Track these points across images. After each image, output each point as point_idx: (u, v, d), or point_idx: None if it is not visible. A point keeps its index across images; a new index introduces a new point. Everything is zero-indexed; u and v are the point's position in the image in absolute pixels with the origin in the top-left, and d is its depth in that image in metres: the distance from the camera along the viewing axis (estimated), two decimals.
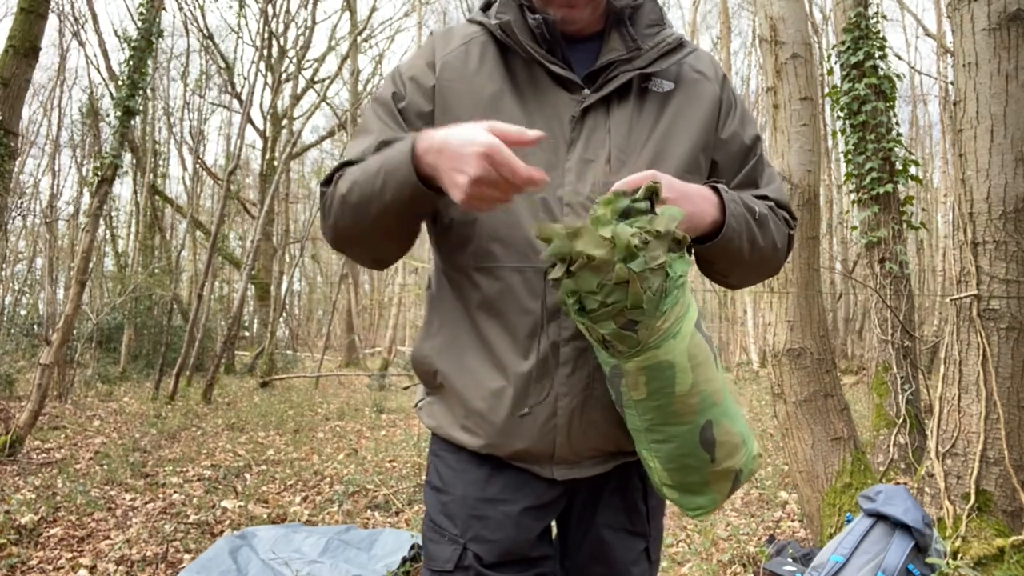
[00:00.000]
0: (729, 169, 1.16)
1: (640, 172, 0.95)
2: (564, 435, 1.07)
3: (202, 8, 15.96)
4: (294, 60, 16.30)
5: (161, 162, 17.47)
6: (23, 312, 17.69)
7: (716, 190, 1.05)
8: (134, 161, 15.37)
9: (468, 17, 1.19)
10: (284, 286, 18.08)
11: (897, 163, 5.05)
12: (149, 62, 7.26)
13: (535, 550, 1.12)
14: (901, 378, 4.69)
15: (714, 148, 1.15)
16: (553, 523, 1.20)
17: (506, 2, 1.13)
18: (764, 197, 1.16)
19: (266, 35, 15.09)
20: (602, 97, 1.08)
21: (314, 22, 16.13)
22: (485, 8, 1.17)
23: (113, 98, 10.36)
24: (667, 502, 1.20)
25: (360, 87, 20.01)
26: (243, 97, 14.06)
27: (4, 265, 17.78)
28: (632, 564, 1.18)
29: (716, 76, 1.17)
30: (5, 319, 16.22)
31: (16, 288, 18.88)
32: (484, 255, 1.07)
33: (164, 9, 8.42)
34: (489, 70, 1.11)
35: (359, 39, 18.83)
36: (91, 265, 8.57)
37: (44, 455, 5.69)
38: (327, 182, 1.08)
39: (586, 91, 1.09)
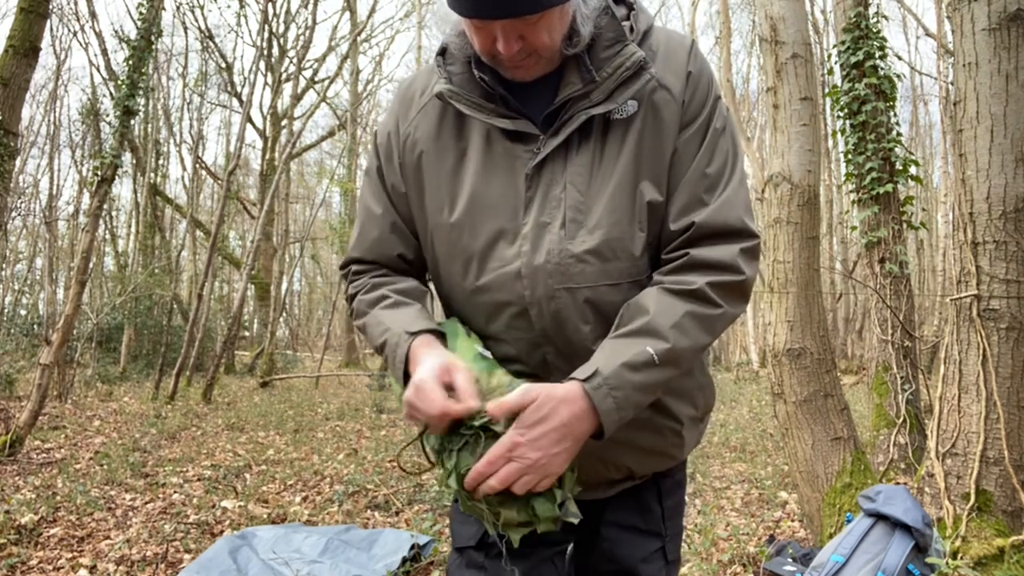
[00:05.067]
0: (675, 182, 1.06)
1: (516, 395, 0.93)
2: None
3: (201, 8, 15.92)
4: (294, 60, 16.30)
5: (161, 162, 17.47)
6: (23, 312, 17.70)
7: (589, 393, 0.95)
8: (134, 161, 15.38)
9: (432, 62, 1.14)
10: (284, 286, 18.10)
11: (897, 163, 5.05)
12: (149, 62, 7.26)
13: (555, 533, 1.13)
14: (901, 378, 4.69)
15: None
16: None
17: (453, 54, 1.09)
18: (689, 232, 1.03)
19: (266, 35, 15.10)
20: (561, 143, 1.04)
21: (314, 22, 16.11)
22: (443, 52, 1.11)
23: (113, 98, 10.36)
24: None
25: (360, 87, 20.03)
26: (243, 97, 14.07)
27: (4, 265, 17.78)
28: (642, 562, 1.19)
29: (681, 82, 1.06)
30: (5, 319, 16.23)
31: (16, 288, 18.89)
32: (462, 315, 1.17)
33: (164, 9, 8.42)
34: (446, 139, 1.12)
35: (359, 39, 18.83)
36: (91, 265, 8.57)
37: (44, 455, 5.69)
38: (343, 270, 1.25)
39: (542, 138, 1.05)
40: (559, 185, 1.04)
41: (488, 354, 1.09)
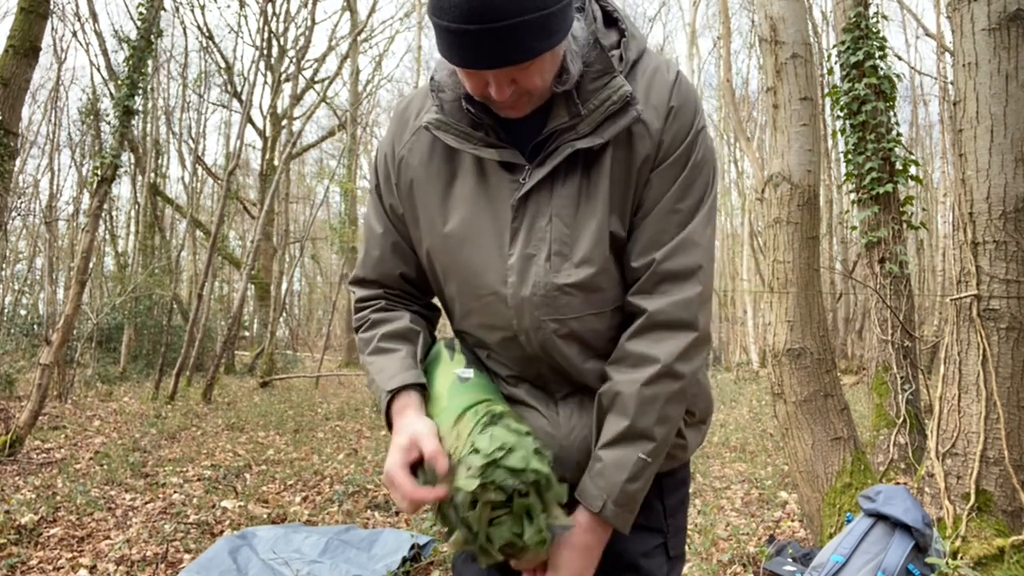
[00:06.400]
0: (642, 215, 1.06)
1: None
2: (572, 466, 1.11)
3: (202, 8, 15.93)
4: (294, 60, 16.30)
5: (161, 162, 17.47)
6: (23, 312, 17.70)
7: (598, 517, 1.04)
8: (134, 161, 15.38)
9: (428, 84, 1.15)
10: (284, 286, 18.10)
11: (897, 163, 5.05)
12: (149, 62, 7.27)
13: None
14: (901, 378, 4.69)
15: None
16: None
17: (443, 84, 1.09)
18: (650, 268, 1.05)
19: (266, 35, 15.10)
20: (547, 174, 1.05)
21: (314, 22, 16.13)
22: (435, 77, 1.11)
23: (113, 98, 10.37)
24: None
25: (360, 87, 20.02)
26: (243, 97, 14.06)
27: (4, 265, 17.79)
28: (644, 557, 1.20)
29: (660, 120, 1.05)
30: (5, 319, 16.23)
31: (16, 288, 18.90)
32: (461, 329, 1.22)
33: (164, 9, 8.43)
34: (438, 164, 1.13)
35: (359, 39, 18.83)
36: (91, 265, 8.58)
37: (44, 455, 5.69)
38: (351, 287, 1.28)
39: (528, 168, 1.06)
40: (544, 217, 1.06)
41: (469, 374, 1.12)
